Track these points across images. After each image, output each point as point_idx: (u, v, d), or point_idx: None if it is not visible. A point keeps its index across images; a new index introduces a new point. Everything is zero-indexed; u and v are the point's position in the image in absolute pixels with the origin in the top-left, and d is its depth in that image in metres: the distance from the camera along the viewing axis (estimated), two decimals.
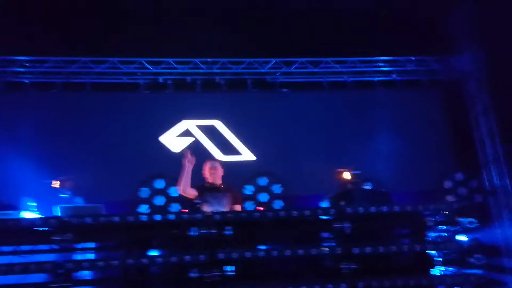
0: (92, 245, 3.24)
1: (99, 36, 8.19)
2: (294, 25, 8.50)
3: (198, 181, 4.87)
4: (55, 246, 2.90)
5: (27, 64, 8.91)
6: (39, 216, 5.03)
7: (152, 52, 9.07)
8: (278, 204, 8.73)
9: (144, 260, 2.87)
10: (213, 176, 4.83)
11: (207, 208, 4.52)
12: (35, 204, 5.64)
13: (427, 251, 3.10)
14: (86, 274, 3.06)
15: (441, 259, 3.10)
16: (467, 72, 9.19)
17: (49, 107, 8.75)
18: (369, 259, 3.05)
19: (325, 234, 3.31)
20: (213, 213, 3.08)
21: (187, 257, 2.85)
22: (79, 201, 7.77)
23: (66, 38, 8.13)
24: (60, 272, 2.76)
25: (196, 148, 8.60)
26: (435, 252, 3.14)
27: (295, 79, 9.69)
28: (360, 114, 9.06)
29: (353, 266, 2.98)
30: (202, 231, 2.94)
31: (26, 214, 5.05)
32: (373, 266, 3.10)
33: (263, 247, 3.14)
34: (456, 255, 3.13)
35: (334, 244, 3.17)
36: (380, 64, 9.62)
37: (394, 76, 9.69)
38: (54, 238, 2.84)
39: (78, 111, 8.86)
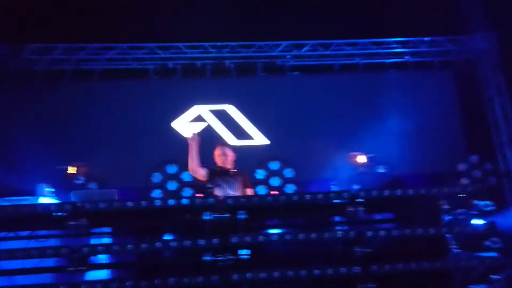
0: (106, 230, 3.28)
1: (108, 22, 8.16)
2: (304, 6, 8.37)
3: (210, 165, 4.87)
4: (70, 231, 2.94)
5: (38, 52, 8.92)
6: (55, 201, 5.10)
7: (161, 37, 9.02)
8: (290, 188, 8.73)
9: (158, 245, 2.89)
10: (223, 161, 4.84)
11: (218, 193, 4.53)
12: (52, 190, 5.72)
13: (442, 234, 3.07)
14: (101, 258, 3.11)
15: (456, 243, 3.06)
16: (480, 52, 9.02)
17: (61, 95, 8.80)
18: (383, 243, 3.04)
19: (338, 218, 3.30)
20: (226, 197, 3.09)
21: (201, 241, 2.87)
22: (93, 187, 7.88)
23: (75, 24, 8.13)
24: (75, 256, 2.80)
25: (209, 133, 8.62)
26: (450, 235, 3.11)
27: (306, 62, 9.58)
28: (372, 96, 8.93)
29: (367, 250, 2.96)
30: (215, 215, 2.94)
31: (43, 200, 5.12)
32: (387, 250, 3.09)
33: (276, 231, 3.14)
34: (471, 239, 3.10)
35: (347, 227, 3.16)
36: (392, 45, 9.45)
37: (406, 57, 9.51)
38: (69, 223, 2.88)
39: (90, 98, 8.89)
